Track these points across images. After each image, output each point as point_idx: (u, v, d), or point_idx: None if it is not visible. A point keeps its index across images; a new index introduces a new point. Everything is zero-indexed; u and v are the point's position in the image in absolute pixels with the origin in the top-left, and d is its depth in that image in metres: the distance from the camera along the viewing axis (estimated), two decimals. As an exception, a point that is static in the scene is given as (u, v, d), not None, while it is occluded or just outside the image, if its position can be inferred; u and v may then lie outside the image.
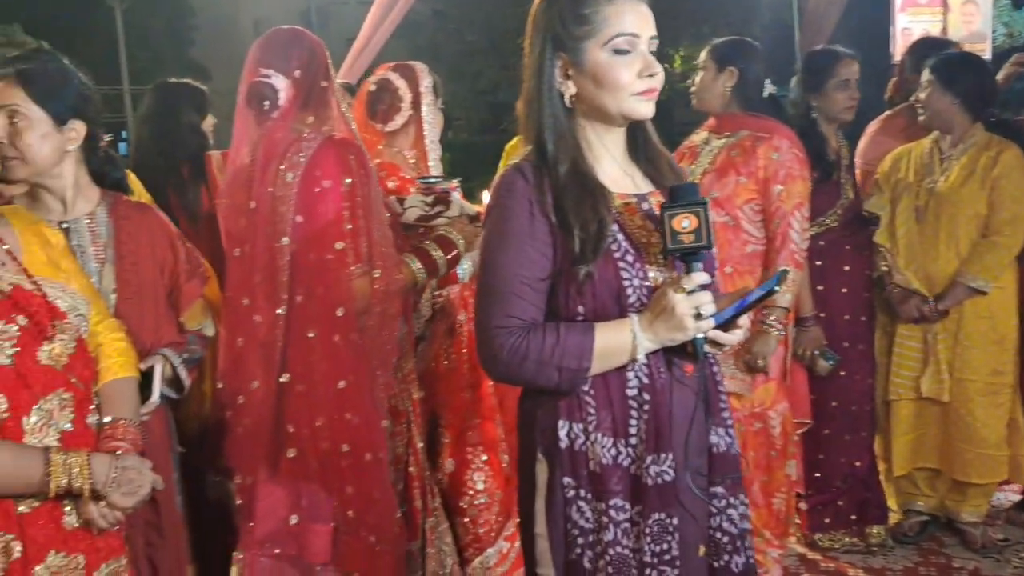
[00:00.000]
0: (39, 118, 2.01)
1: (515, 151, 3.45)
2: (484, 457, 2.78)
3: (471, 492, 2.75)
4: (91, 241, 2.13)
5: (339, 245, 2.21)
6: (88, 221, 2.15)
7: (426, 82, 2.83)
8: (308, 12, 14.82)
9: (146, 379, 2.03)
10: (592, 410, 1.63)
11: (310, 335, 2.20)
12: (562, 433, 1.64)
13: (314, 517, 2.24)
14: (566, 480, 1.64)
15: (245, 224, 2.28)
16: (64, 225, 2.10)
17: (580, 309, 1.62)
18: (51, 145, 2.04)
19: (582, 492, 1.64)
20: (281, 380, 2.21)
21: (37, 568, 1.71)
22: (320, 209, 2.21)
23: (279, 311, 2.20)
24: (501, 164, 3.55)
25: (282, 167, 2.22)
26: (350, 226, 2.23)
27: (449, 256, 2.46)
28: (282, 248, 2.21)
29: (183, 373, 2.17)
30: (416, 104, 2.81)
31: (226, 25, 18.74)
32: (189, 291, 2.24)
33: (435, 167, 2.79)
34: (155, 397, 2.04)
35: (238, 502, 2.28)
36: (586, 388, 1.63)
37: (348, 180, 2.23)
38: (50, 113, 2.01)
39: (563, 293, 1.63)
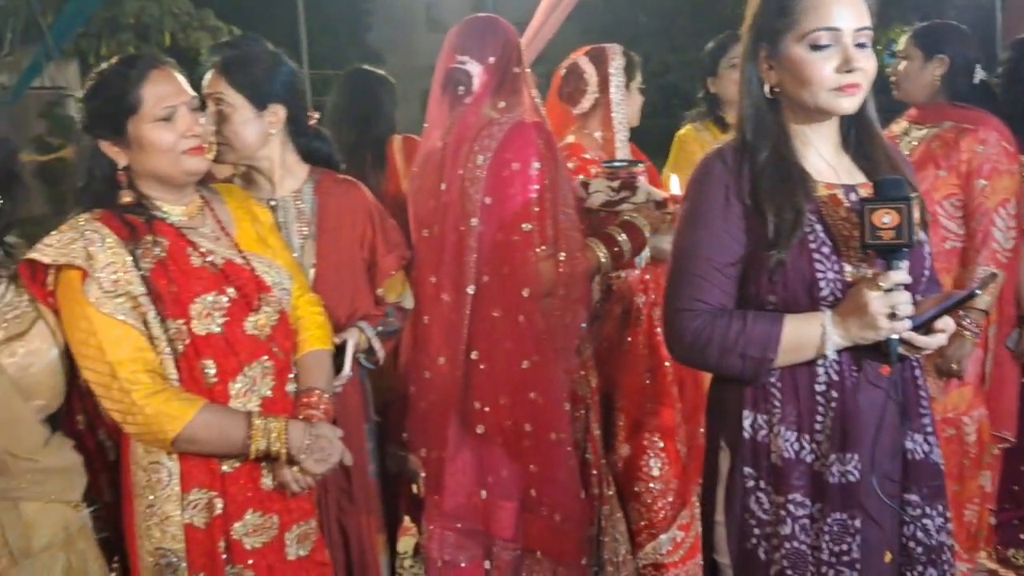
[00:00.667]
0: (240, 105, 2.12)
1: (688, 140, 3.41)
2: (661, 444, 2.76)
3: (646, 478, 2.74)
4: (296, 218, 2.23)
5: (527, 226, 2.23)
6: (294, 198, 2.25)
7: (616, 63, 2.83)
8: (479, -4, 15.02)
9: (340, 352, 2.12)
10: (777, 403, 1.61)
11: (495, 315, 2.24)
12: (746, 423, 1.63)
13: (500, 493, 2.28)
14: (746, 470, 1.63)
15: (434, 206, 2.34)
16: (272, 203, 2.20)
17: (771, 299, 1.60)
18: (253, 130, 2.14)
19: (762, 484, 1.62)
20: (472, 357, 2.25)
21: (236, 524, 1.83)
22: (509, 191, 2.24)
23: (468, 290, 2.25)
24: (672, 151, 3.49)
25: (474, 150, 2.27)
26: (537, 208, 2.25)
27: (635, 243, 2.44)
28: (471, 229, 2.25)
29: (377, 344, 2.24)
30: (603, 86, 2.82)
31: (400, 11, 19.22)
32: (386, 264, 2.30)
33: (622, 149, 2.77)
34: (346, 370, 2.11)
35: (422, 475, 2.34)
36: (773, 380, 1.60)
37: (537, 163, 2.25)
38: (250, 100, 2.12)
39: (754, 281, 1.61)
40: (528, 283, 2.23)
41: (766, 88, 1.64)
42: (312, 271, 2.20)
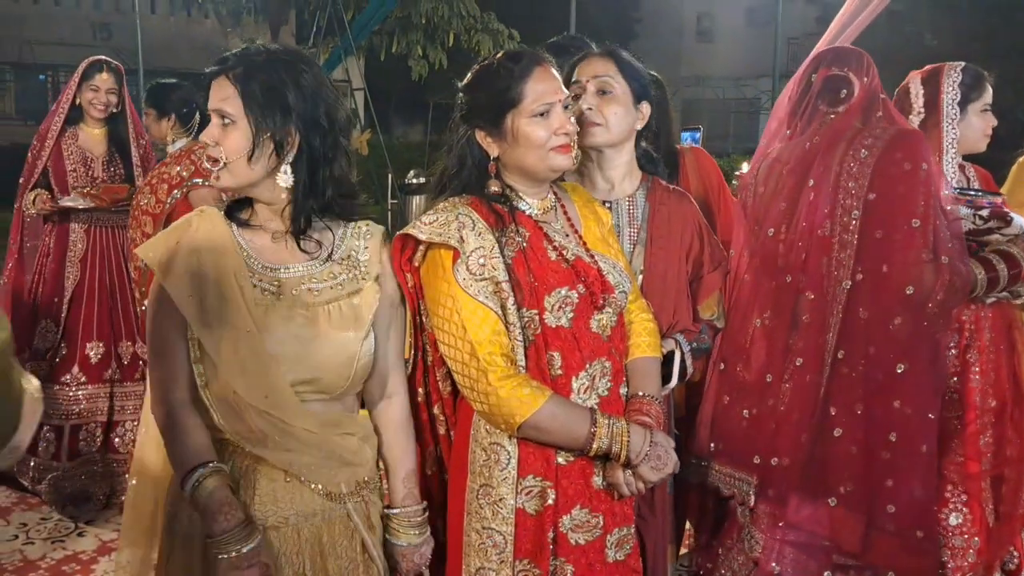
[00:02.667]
0: (624, 92, 2.16)
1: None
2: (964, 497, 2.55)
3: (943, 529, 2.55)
4: (628, 222, 2.24)
5: (915, 223, 2.16)
6: (628, 203, 2.27)
7: (951, 80, 2.65)
8: (754, 9, 14.67)
9: (666, 362, 2.10)
10: None
11: (862, 315, 2.16)
12: None
13: (850, 504, 2.18)
14: None
15: (786, 207, 2.30)
16: (607, 204, 2.23)
17: None
18: (628, 120, 2.19)
19: None
20: (839, 356, 2.18)
21: (564, 517, 1.85)
22: (898, 189, 2.18)
23: (844, 285, 2.18)
24: (1011, 178, 3.22)
25: (854, 146, 2.22)
26: (923, 210, 2.17)
27: (1012, 272, 2.29)
28: (849, 224, 2.18)
29: (689, 361, 2.21)
30: (932, 106, 2.66)
31: (670, 20, 19.23)
32: (710, 281, 2.28)
33: (951, 173, 2.59)
34: (674, 381, 2.10)
35: (754, 483, 2.29)
36: None
37: (925, 166, 2.18)
38: (632, 90, 2.17)
39: None
40: (908, 283, 2.15)
41: None
42: (640, 278, 2.20)
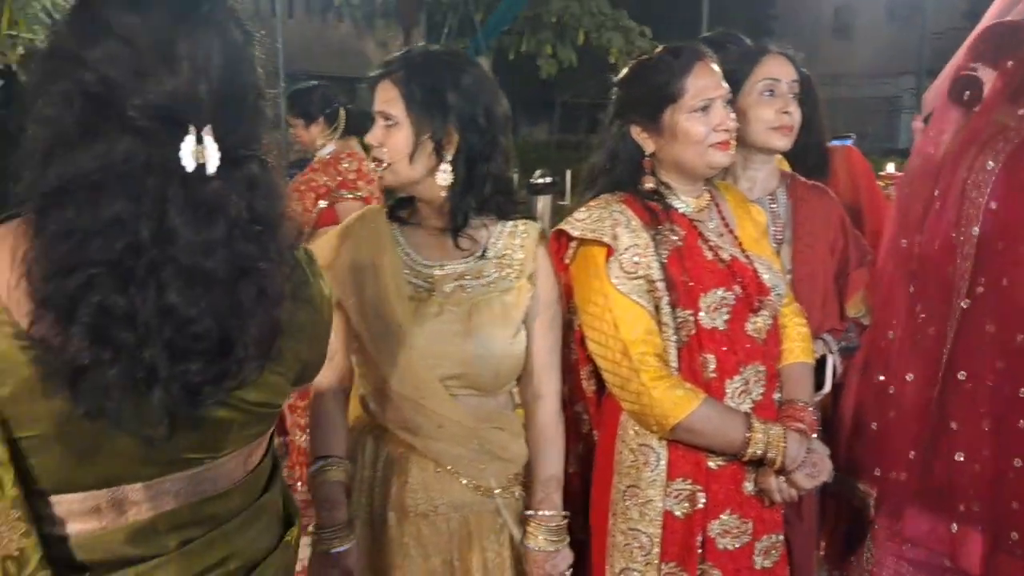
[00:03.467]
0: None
1: None
2: None
3: None
4: (771, 221, 2.18)
5: None
6: (770, 201, 2.21)
7: None
8: (896, 4, 14.11)
9: (819, 367, 2.04)
10: None
11: (988, 329, 2.03)
12: None
13: (972, 525, 2.07)
14: None
15: (920, 214, 2.18)
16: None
17: None
18: (800, 116, 2.15)
19: None
20: (959, 377, 2.07)
21: (712, 522, 1.82)
22: (1021, 197, 2.02)
23: (961, 304, 2.06)
24: None
25: (983, 152, 2.08)
26: None
27: None
28: (970, 237, 2.06)
29: (838, 361, 2.15)
30: None
31: (806, 16, 18.71)
32: (856, 278, 2.21)
33: None
34: (827, 387, 2.04)
35: (873, 495, 2.20)
36: None
37: None
38: (802, 84, 2.14)
39: None
40: None
41: None
42: (788, 277, 2.14)
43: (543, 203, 9.68)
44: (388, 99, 1.69)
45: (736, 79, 2.11)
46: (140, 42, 0.98)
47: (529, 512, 1.81)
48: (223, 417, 1.10)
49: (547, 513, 1.79)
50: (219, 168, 1.00)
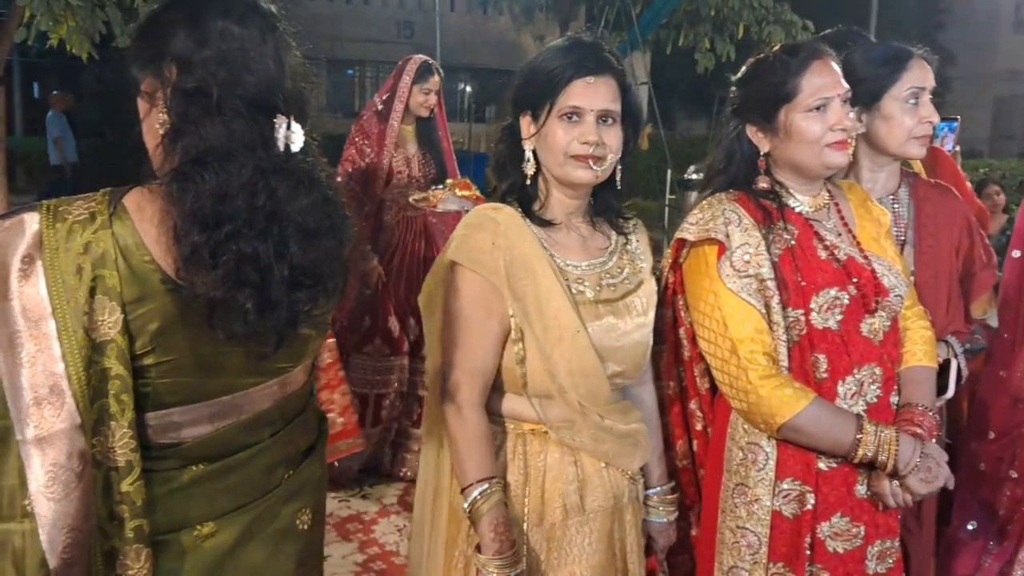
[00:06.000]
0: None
1: None
2: None
3: None
4: (893, 222, 2.12)
5: None
6: (892, 200, 2.16)
7: None
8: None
9: (942, 370, 1.98)
10: None
11: None
12: None
13: None
14: None
15: None
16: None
17: None
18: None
19: None
20: None
21: (823, 524, 1.80)
22: None
23: None
24: None
25: None
26: None
27: None
28: None
29: (962, 363, 2.09)
30: None
31: (982, 10, 17.57)
32: (983, 280, 2.16)
33: None
34: (951, 392, 1.98)
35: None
36: None
37: None
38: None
39: None
40: None
41: None
42: (911, 279, 2.08)
43: (695, 199, 9.54)
44: (615, 97, 1.69)
45: (881, 84, 2.07)
46: (243, 46, 1.26)
47: (654, 489, 1.90)
48: (307, 333, 1.40)
49: (667, 486, 1.93)
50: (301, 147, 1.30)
